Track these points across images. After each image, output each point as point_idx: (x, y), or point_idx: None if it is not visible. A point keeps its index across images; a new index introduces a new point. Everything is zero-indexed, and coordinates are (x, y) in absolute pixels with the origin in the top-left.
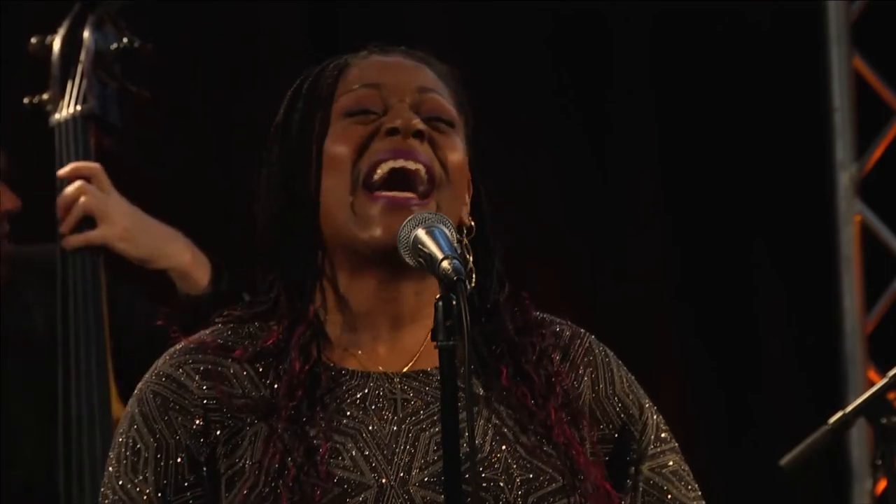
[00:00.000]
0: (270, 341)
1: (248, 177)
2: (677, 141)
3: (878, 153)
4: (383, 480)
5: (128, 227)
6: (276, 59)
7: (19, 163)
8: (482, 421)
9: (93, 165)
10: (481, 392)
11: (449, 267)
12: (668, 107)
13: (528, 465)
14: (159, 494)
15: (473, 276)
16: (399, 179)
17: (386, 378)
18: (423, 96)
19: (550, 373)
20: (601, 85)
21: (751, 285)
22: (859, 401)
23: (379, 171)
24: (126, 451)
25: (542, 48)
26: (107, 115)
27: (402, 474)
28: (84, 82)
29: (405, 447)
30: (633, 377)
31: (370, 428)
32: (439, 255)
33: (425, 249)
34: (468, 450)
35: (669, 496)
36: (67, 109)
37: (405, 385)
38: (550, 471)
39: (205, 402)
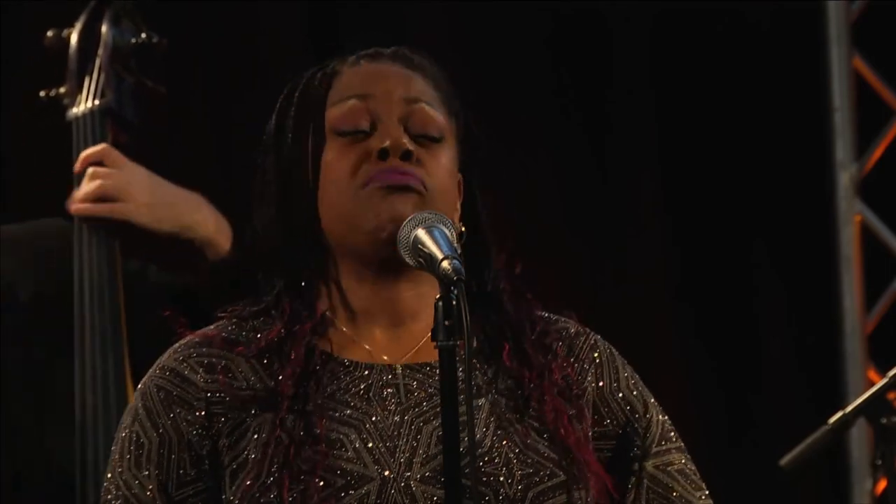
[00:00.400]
0: (273, 335)
1: (248, 177)
2: (677, 141)
3: (878, 153)
4: (386, 473)
5: (149, 203)
6: (277, 59)
7: (35, 156)
8: (483, 415)
9: (99, 148)
10: (484, 378)
11: (449, 267)
12: (668, 107)
13: (529, 460)
14: (162, 489)
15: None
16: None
17: (389, 369)
18: (411, 108)
19: (550, 359)
20: (601, 85)
21: (751, 285)
22: (859, 401)
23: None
24: (129, 446)
25: (542, 48)
26: (123, 110)
27: (403, 467)
28: (102, 77)
29: (407, 439)
30: (638, 376)
31: (373, 419)
32: (439, 255)
33: (425, 249)
34: (468, 445)
35: (674, 493)
36: (85, 104)
37: (408, 376)
38: (551, 466)
39: (208, 394)
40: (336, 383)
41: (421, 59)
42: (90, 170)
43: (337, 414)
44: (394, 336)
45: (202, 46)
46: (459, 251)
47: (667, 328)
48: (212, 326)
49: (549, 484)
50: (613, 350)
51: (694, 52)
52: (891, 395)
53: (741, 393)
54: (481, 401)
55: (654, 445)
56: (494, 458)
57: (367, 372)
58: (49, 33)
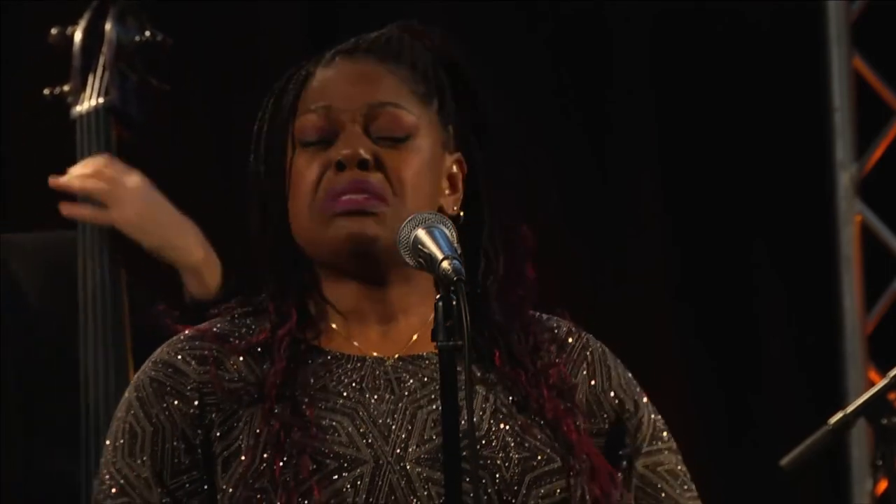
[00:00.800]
0: (264, 333)
1: (247, 178)
2: (677, 141)
3: (878, 153)
4: (380, 456)
5: (139, 213)
6: (276, 60)
7: (39, 155)
8: (479, 399)
9: (101, 158)
10: (478, 374)
11: (449, 267)
12: (668, 107)
13: (526, 445)
14: (157, 477)
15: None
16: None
17: (381, 361)
18: (374, 112)
19: (544, 361)
20: (601, 85)
21: (751, 285)
22: (859, 401)
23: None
24: (123, 435)
25: (542, 48)
26: (128, 108)
27: (398, 451)
28: (106, 75)
29: (402, 424)
30: (630, 375)
31: (366, 406)
32: (439, 256)
33: (425, 249)
34: (467, 428)
35: (663, 494)
36: (89, 102)
37: (401, 368)
38: (548, 451)
39: (201, 386)
40: (328, 376)
41: (401, 43)
42: (88, 169)
43: (329, 403)
44: (386, 332)
45: (202, 46)
46: (459, 251)
47: (667, 328)
48: (205, 322)
49: (547, 469)
50: (605, 349)
51: (694, 52)
52: (891, 396)
53: (741, 393)
54: (479, 388)
55: (644, 445)
56: (492, 441)
57: (359, 364)
58: (53, 31)
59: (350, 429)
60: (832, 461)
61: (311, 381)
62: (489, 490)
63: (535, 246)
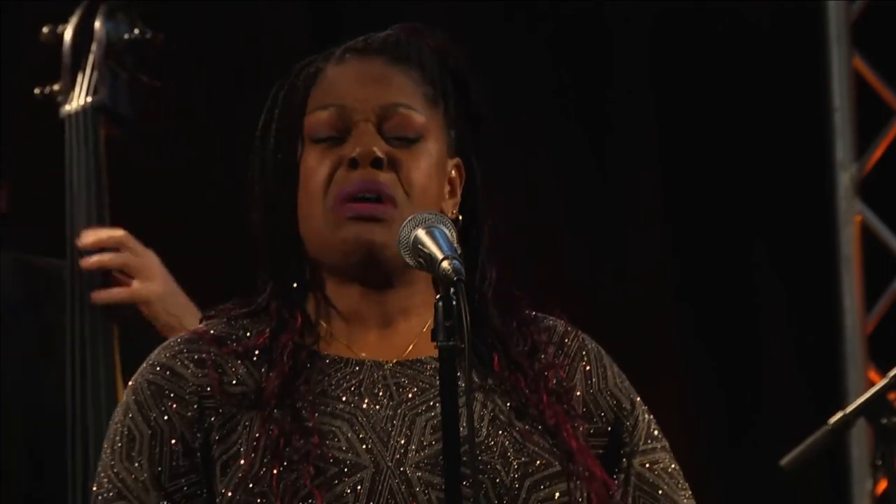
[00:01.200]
0: (262, 336)
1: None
2: (677, 141)
3: (878, 153)
4: (380, 461)
5: (166, 290)
6: (280, 59)
7: (29, 154)
8: (478, 406)
9: (118, 234)
10: (477, 381)
11: (449, 267)
12: (668, 107)
13: (525, 450)
14: (155, 480)
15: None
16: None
17: (380, 366)
18: (386, 113)
19: (543, 364)
20: (601, 85)
21: (751, 285)
22: (859, 401)
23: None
24: (121, 439)
25: (542, 48)
26: (118, 106)
27: (397, 456)
28: (95, 73)
29: (401, 430)
30: (623, 374)
31: (365, 412)
32: (439, 256)
33: (425, 249)
34: (467, 433)
35: (660, 492)
36: (78, 100)
37: (399, 373)
38: (547, 456)
39: (199, 389)
40: (326, 380)
41: (410, 45)
42: (108, 238)
43: (328, 408)
44: (385, 336)
45: (206, 46)
46: (459, 251)
47: (667, 328)
48: (202, 325)
49: (546, 473)
50: (600, 348)
51: (694, 52)
52: (891, 396)
53: (741, 393)
54: (478, 395)
55: (641, 443)
56: (491, 445)
57: (357, 368)
58: (44, 29)
59: (349, 434)
60: (832, 461)
61: (310, 385)
62: (489, 494)
63: (531, 248)
